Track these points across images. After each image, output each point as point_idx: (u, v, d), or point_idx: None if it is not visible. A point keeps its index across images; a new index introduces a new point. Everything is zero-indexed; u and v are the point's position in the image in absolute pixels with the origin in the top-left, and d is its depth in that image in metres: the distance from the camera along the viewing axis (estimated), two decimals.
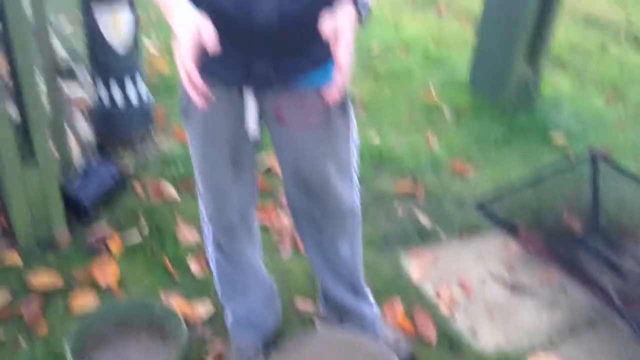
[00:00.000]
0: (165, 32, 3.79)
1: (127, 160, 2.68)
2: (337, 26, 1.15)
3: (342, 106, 1.45)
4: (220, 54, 1.19)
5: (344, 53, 1.14)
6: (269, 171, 2.59)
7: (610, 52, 4.19)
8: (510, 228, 2.22)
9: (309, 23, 1.24)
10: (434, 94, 3.39)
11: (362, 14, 1.19)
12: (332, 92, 1.18)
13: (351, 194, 1.59)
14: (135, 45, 2.60)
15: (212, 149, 1.46)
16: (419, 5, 4.66)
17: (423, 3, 4.71)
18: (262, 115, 1.43)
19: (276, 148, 1.51)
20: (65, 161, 2.40)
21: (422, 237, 2.35)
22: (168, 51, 3.56)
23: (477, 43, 3.33)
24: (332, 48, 1.16)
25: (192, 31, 1.12)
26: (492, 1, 3.18)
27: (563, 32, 4.06)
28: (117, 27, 2.52)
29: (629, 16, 4.94)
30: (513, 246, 2.28)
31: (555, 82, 3.62)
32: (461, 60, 3.66)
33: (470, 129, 3.10)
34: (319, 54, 1.31)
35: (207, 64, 1.20)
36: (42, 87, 2.20)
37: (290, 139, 1.45)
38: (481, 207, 2.28)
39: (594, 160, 2.30)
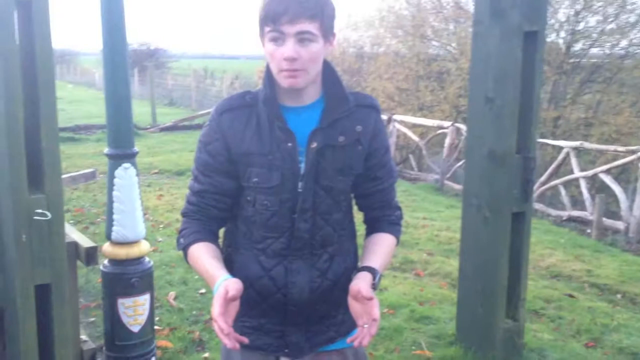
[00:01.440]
0: (166, 312, 4.03)
1: None
2: (360, 286, 1.44)
3: None
4: (258, 325, 1.45)
5: (374, 307, 1.41)
6: None
7: (579, 301, 4.54)
8: None
9: (334, 296, 1.55)
10: (426, 350, 3.58)
11: (376, 281, 1.51)
12: (365, 339, 1.41)
13: None
14: (150, 323, 2.83)
15: None
16: (398, 270, 5.09)
17: (401, 268, 5.15)
18: None
19: None
20: None
21: None
22: (170, 329, 3.76)
23: (459, 301, 3.64)
24: (360, 303, 1.43)
25: (220, 291, 1.39)
26: (468, 263, 3.58)
27: (532, 285, 4.44)
28: (136, 310, 2.77)
29: (588, 267, 5.44)
30: None
31: (534, 331, 3.87)
32: (445, 316, 3.95)
33: None
34: (344, 325, 1.58)
35: (248, 334, 1.46)
36: None
37: None
38: None
39: None
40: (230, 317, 1.38)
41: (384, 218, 1.68)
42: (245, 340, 1.39)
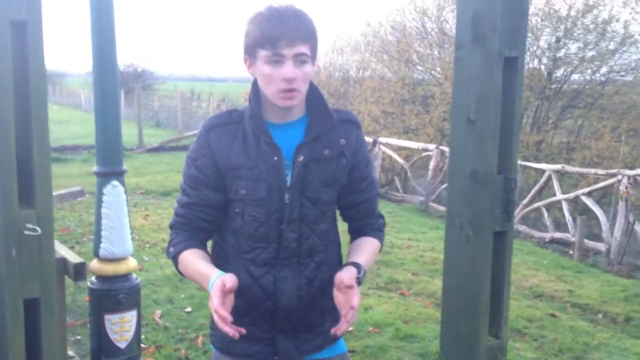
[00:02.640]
0: (152, 330, 4.04)
1: None
2: (344, 276, 1.52)
3: None
4: (248, 333, 1.50)
5: (354, 296, 1.49)
6: None
7: (561, 320, 4.61)
8: None
9: (320, 304, 1.62)
10: None
11: (360, 275, 1.58)
12: (342, 326, 1.49)
13: None
14: (137, 340, 2.85)
15: None
16: (383, 290, 5.14)
17: (387, 288, 5.20)
18: None
19: None
20: None
21: None
22: (156, 347, 3.77)
23: (442, 319, 3.68)
24: (343, 293, 1.52)
25: (218, 283, 1.44)
26: (450, 281, 3.63)
27: (515, 304, 4.50)
28: (122, 326, 2.80)
29: (570, 287, 5.52)
30: None
31: (517, 350, 3.92)
32: (430, 335, 3.99)
33: None
34: (330, 335, 1.63)
35: (238, 343, 1.51)
36: None
37: None
38: None
39: None
40: (227, 309, 1.43)
41: (368, 226, 1.76)
42: (243, 331, 1.43)
